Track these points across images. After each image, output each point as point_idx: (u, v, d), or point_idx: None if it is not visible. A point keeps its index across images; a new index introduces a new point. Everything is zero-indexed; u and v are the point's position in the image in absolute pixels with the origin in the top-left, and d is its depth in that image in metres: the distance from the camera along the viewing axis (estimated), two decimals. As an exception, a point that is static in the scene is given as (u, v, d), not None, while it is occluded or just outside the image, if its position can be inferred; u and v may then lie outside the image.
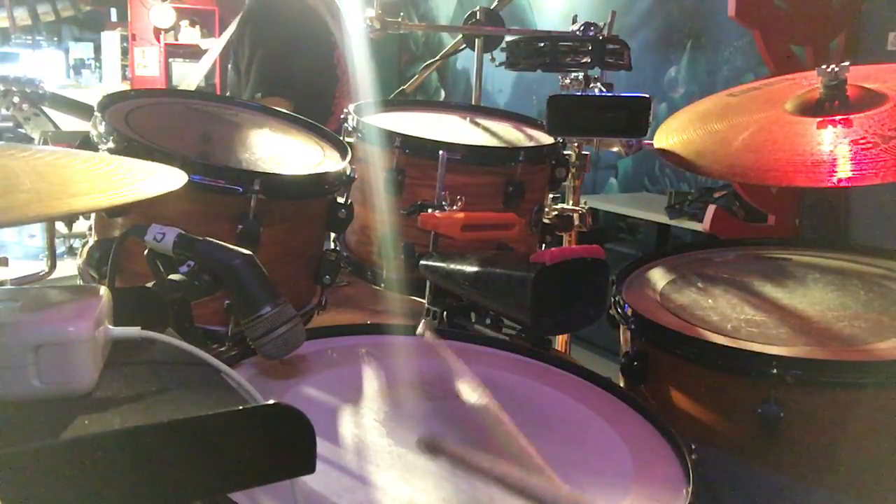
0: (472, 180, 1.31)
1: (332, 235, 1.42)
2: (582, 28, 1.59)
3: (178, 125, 1.24)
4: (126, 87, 7.12)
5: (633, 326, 1.13)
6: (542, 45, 1.60)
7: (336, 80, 2.36)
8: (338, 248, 1.42)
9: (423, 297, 1.22)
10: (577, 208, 1.62)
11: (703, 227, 3.32)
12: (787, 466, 0.98)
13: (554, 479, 0.72)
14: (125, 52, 7.88)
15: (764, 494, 0.92)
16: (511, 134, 1.52)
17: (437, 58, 2.08)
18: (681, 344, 1.05)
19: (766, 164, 1.14)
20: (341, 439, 0.76)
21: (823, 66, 1.20)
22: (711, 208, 3.26)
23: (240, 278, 0.79)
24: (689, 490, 0.73)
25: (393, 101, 1.80)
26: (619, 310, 1.17)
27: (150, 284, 0.78)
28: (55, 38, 8.28)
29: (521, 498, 0.69)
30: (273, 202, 1.07)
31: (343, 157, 1.24)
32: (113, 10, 8.30)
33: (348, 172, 1.19)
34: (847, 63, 1.20)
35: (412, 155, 1.30)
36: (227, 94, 2.60)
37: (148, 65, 7.76)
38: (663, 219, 3.94)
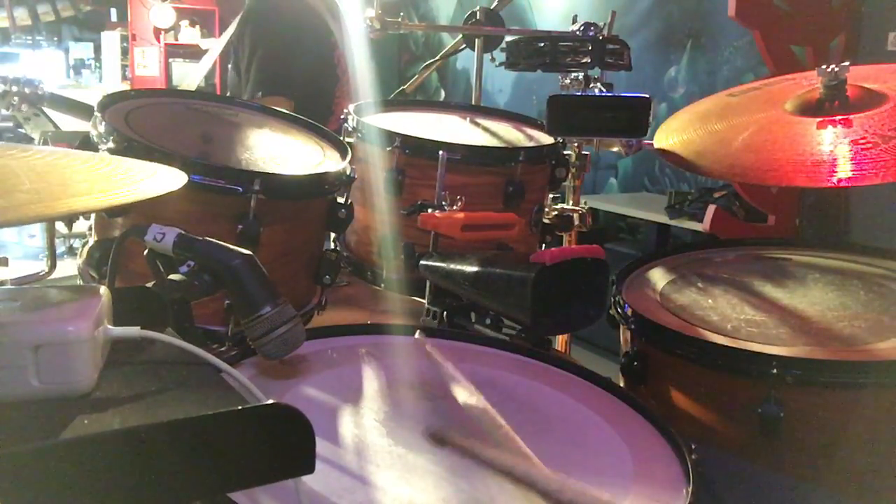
0: (472, 180, 1.31)
1: (332, 235, 1.42)
2: (582, 28, 1.59)
3: (178, 125, 1.24)
4: (126, 87, 7.11)
5: (633, 326, 1.13)
6: (542, 45, 1.60)
7: (336, 80, 2.37)
8: (338, 248, 1.42)
9: (423, 297, 1.22)
10: (577, 208, 1.62)
11: (703, 227, 3.32)
12: (787, 466, 0.98)
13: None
14: (125, 52, 7.88)
15: (764, 494, 0.92)
16: (511, 134, 1.52)
17: (437, 58, 2.08)
18: (681, 344, 1.05)
19: (766, 164, 1.14)
20: (341, 439, 0.76)
21: (823, 66, 1.20)
22: (711, 208, 3.26)
23: (240, 278, 0.79)
24: (689, 490, 0.73)
25: (393, 101, 1.80)
26: (619, 310, 1.17)
27: (150, 284, 0.78)
28: (55, 38, 8.28)
29: (527, 489, 0.69)
30: (273, 202, 1.07)
31: (343, 157, 1.24)
32: (113, 10, 8.30)
33: (348, 172, 1.19)
34: (847, 63, 1.20)
35: (412, 155, 1.30)
36: (227, 94, 2.60)
37: (148, 65, 7.76)
38: (663, 219, 3.94)
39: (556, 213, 1.58)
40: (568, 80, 1.58)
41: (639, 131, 1.30)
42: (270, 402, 0.50)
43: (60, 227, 1.75)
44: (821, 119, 1.17)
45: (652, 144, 1.34)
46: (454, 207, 1.17)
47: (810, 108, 1.21)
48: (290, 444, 0.50)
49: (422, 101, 1.91)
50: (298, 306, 1.14)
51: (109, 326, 0.60)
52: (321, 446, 0.62)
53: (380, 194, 1.32)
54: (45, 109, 1.73)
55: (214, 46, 2.80)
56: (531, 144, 1.45)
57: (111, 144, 1.03)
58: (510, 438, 0.79)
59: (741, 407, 0.98)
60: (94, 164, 0.74)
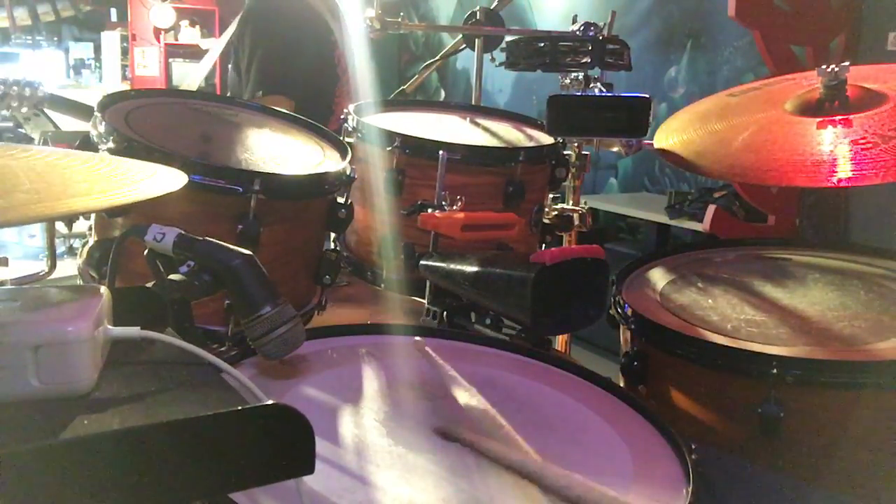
0: (472, 180, 1.31)
1: (332, 235, 1.42)
2: (582, 28, 1.59)
3: (178, 125, 1.24)
4: (126, 87, 7.11)
5: (633, 326, 1.13)
6: (542, 45, 1.60)
7: (336, 80, 2.37)
8: (338, 248, 1.42)
9: (423, 297, 1.22)
10: (577, 208, 1.62)
11: (703, 227, 3.32)
12: (787, 466, 0.98)
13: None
14: (125, 52, 7.88)
15: (764, 494, 0.92)
16: (511, 134, 1.52)
17: (437, 58, 2.08)
18: (681, 344, 1.05)
19: (766, 164, 1.14)
20: (341, 439, 0.76)
21: (823, 66, 1.20)
22: (711, 208, 3.26)
23: (240, 278, 0.79)
24: (689, 490, 0.73)
25: (393, 101, 1.80)
26: (619, 310, 1.17)
27: (150, 284, 0.78)
28: (55, 38, 8.27)
29: (529, 486, 0.70)
30: (273, 202, 1.07)
31: (343, 157, 1.24)
32: (113, 10, 8.30)
33: (348, 172, 1.19)
34: (847, 63, 1.20)
35: (412, 155, 1.30)
36: (228, 94, 2.60)
37: (148, 65, 7.76)
38: (663, 219, 3.94)
39: (556, 213, 1.58)
40: (568, 80, 1.58)
41: (639, 131, 1.30)
42: (270, 402, 0.50)
43: (60, 227, 1.75)
44: (821, 119, 1.17)
45: (652, 144, 1.34)
46: (454, 207, 1.17)
47: (810, 108, 1.21)
48: (290, 444, 0.50)
49: (422, 101, 1.91)
50: (298, 306, 1.14)
51: (109, 326, 0.60)
52: (321, 446, 0.62)
53: (380, 194, 1.32)
54: (45, 110, 1.73)
55: (214, 46, 2.80)
56: (531, 144, 1.45)
57: (111, 144, 1.03)
58: (511, 438, 0.80)
59: (741, 407, 0.98)
60: (94, 165, 0.74)
